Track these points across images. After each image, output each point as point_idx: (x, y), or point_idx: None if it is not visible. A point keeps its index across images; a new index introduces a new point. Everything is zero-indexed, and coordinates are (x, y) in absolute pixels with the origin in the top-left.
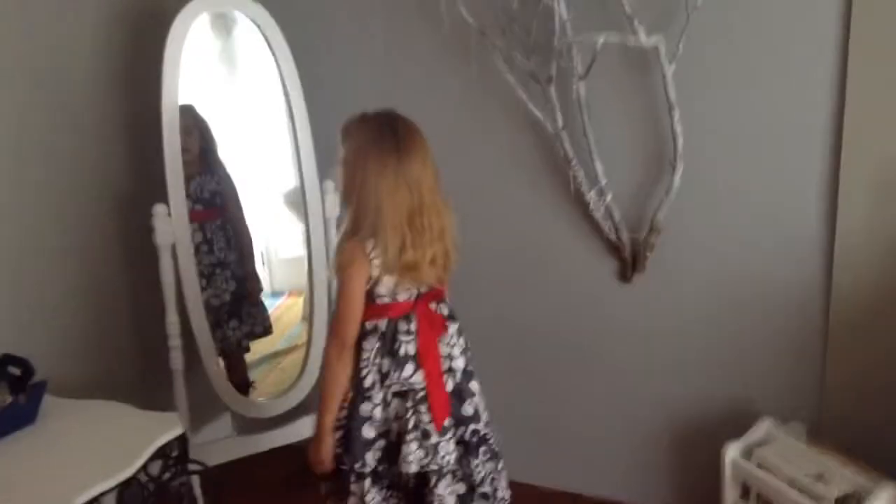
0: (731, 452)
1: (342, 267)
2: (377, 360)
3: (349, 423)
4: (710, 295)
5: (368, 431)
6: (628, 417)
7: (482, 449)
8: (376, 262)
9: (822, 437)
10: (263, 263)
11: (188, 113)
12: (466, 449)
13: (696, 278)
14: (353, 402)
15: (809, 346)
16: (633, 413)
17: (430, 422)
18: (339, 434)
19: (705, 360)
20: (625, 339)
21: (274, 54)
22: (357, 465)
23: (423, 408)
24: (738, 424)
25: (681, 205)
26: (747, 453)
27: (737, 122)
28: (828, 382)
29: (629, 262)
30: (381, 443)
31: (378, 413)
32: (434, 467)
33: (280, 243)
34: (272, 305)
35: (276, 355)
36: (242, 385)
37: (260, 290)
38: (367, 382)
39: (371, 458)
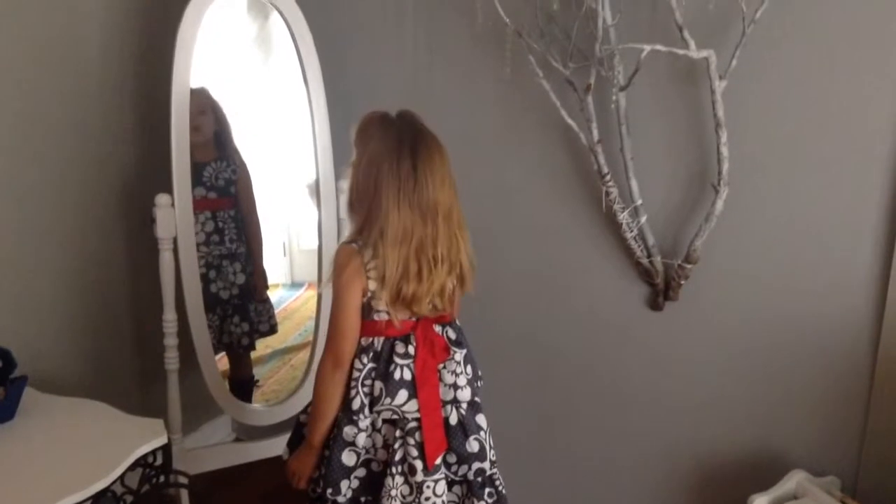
0: None
1: (334, 271)
2: (367, 382)
3: (330, 445)
4: (747, 332)
5: (349, 458)
6: (646, 456)
7: (487, 491)
8: (373, 273)
9: (858, 494)
10: (284, 254)
11: (202, 94)
12: (470, 489)
13: (733, 312)
14: (337, 423)
15: (852, 395)
16: (652, 451)
17: (418, 457)
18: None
19: (735, 401)
20: (650, 372)
21: (295, 42)
22: (329, 492)
23: (412, 440)
24: (767, 474)
25: (721, 233)
26: None
27: (790, 148)
28: (869, 436)
29: (661, 290)
30: (362, 472)
31: (362, 439)
32: None
33: (302, 234)
34: (290, 297)
35: (287, 351)
36: (246, 382)
37: (266, 286)
38: (355, 405)
39: (346, 486)
